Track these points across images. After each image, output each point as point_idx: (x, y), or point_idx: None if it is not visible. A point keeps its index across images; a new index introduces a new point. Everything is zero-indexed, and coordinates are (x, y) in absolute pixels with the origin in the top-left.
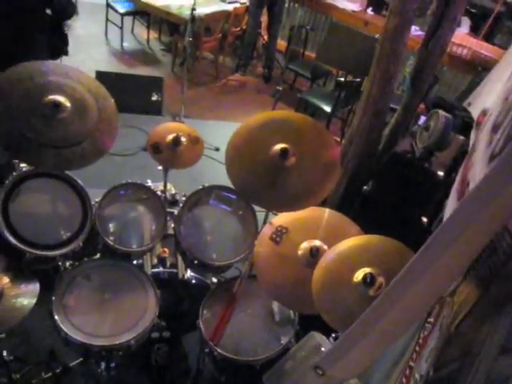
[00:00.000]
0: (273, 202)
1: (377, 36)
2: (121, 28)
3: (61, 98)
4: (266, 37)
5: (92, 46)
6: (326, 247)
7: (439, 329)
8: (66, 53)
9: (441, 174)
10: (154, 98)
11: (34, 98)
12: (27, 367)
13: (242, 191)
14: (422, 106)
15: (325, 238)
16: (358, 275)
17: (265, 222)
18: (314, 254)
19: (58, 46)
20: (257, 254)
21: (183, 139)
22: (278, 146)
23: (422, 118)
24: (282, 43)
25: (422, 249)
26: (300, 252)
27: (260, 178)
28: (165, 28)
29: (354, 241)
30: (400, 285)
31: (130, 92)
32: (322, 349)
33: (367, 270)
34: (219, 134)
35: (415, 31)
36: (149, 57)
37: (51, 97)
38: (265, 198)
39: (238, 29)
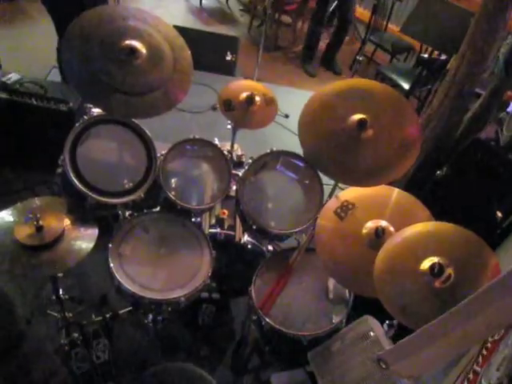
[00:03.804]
0: (343, 174)
1: (472, 11)
2: None
3: (137, 44)
4: None
5: (171, 1)
6: (392, 229)
7: None
8: None
9: None
10: (228, 57)
11: (112, 41)
12: (80, 308)
13: (312, 159)
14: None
15: (392, 218)
16: (425, 264)
17: (330, 196)
18: (380, 234)
19: None
20: (319, 227)
21: (257, 99)
22: (356, 117)
23: (511, 105)
24: (364, 13)
25: None
26: (364, 231)
27: (333, 148)
28: None
29: (423, 226)
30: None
31: (205, 49)
32: (371, 333)
33: (435, 259)
34: (290, 100)
35: None
36: (226, 16)
37: (128, 42)
38: (335, 169)
39: None
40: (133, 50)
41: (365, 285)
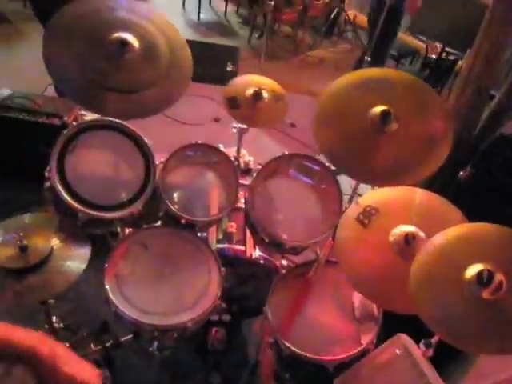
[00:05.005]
0: (365, 172)
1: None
2: None
3: (128, 36)
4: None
5: (169, 16)
6: (422, 234)
7: None
8: None
9: None
10: (229, 68)
11: (99, 35)
12: (77, 336)
13: (330, 157)
14: None
15: (420, 222)
16: (470, 271)
17: (350, 202)
18: (409, 241)
19: None
20: (340, 236)
21: (265, 95)
22: (378, 109)
23: None
24: (363, 17)
25: None
26: (391, 238)
27: (354, 146)
28: (243, 2)
29: (460, 229)
30: None
31: (205, 61)
32: (407, 354)
33: (482, 265)
34: (295, 109)
35: None
36: (225, 29)
37: (117, 34)
38: (357, 169)
39: (320, 1)
40: (123, 43)
41: (395, 299)
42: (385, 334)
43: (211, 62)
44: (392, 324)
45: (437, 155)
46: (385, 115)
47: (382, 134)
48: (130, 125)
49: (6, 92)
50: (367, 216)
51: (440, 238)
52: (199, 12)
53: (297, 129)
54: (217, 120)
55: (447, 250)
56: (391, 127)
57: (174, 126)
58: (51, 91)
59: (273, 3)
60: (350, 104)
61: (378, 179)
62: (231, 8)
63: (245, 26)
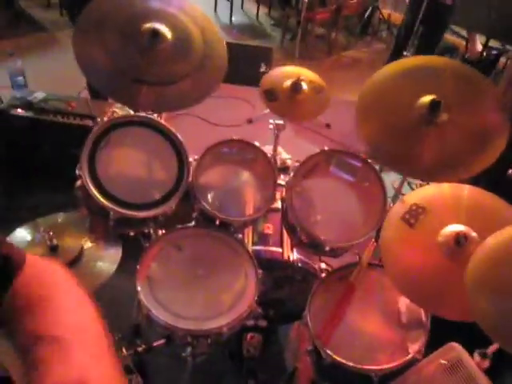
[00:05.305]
0: (412, 167)
1: None
2: (230, 2)
3: (161, 27)
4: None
5: None
6: (474, 234)
7: None
8: None
9: None
10: (263, 69)
11: (131, 26)
12: None
13: (374, 151)
14: None
15: (471, 221)
16: None
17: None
18: (461, 242)
19: None
20: (384, 237)
21: (305, 86)
22: (427, 98)
23: None
24: (401, 17)
25: None
26: (440, 239)
27: (399, 138)
28: (275, 4)
29: None
30: None
31: (238, 62)
32: (460, 365)
33: None
34: (330, 110)
35: None
36: (258, 31)
37: (149, 25)
38: (402, 162)
39: (354, 0)
40: (155, 34)
41: (445, 304)
42: (434, 343)
43: (244, 63)
44: (442, 332)
45: (491, 149)
46: (434, 105)
47: (431, 125)
48: None
49: (41, 95)
50: (414, 215)
51: (498, 237)
52: (231, 15)
53: (332, 129)
54: (250, 121)
55: (505, 250)
56: (441, 118)
57: (206, 127)
58: (85, 96)
59: (306, 2)
60: (394, 95)
61: (426, 174)
62: (263, 10)
63: (277, 28)
